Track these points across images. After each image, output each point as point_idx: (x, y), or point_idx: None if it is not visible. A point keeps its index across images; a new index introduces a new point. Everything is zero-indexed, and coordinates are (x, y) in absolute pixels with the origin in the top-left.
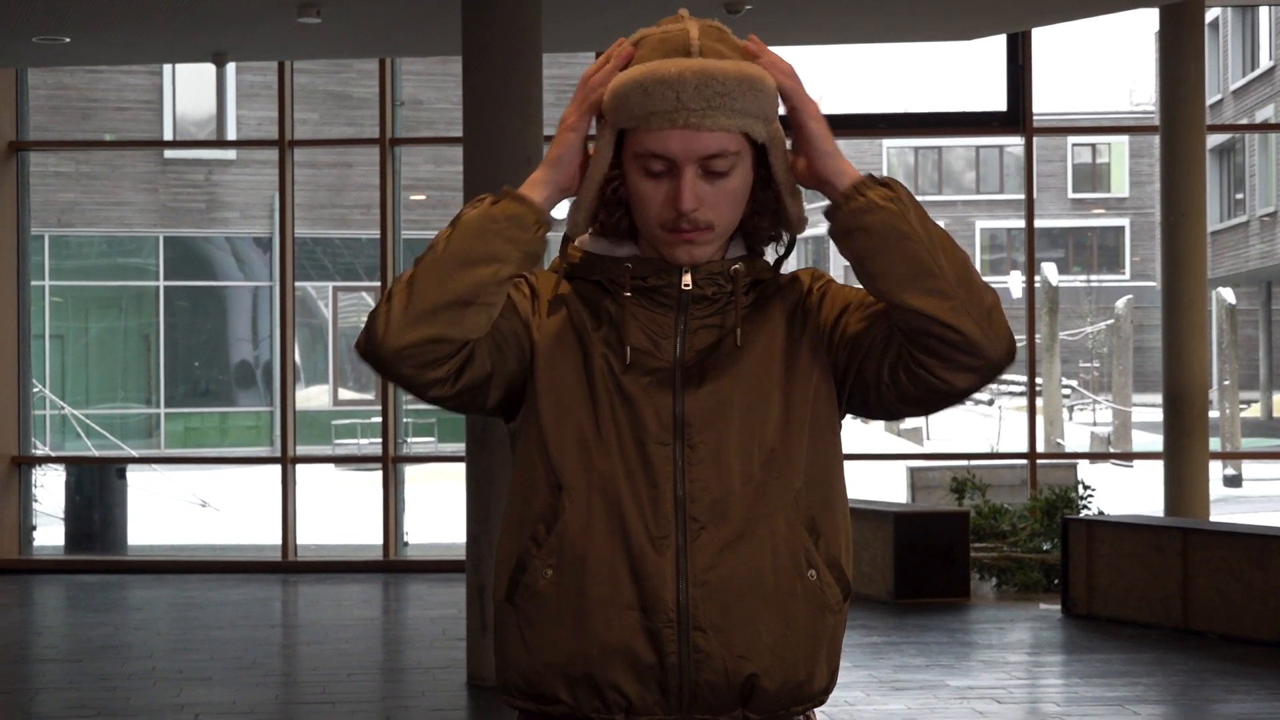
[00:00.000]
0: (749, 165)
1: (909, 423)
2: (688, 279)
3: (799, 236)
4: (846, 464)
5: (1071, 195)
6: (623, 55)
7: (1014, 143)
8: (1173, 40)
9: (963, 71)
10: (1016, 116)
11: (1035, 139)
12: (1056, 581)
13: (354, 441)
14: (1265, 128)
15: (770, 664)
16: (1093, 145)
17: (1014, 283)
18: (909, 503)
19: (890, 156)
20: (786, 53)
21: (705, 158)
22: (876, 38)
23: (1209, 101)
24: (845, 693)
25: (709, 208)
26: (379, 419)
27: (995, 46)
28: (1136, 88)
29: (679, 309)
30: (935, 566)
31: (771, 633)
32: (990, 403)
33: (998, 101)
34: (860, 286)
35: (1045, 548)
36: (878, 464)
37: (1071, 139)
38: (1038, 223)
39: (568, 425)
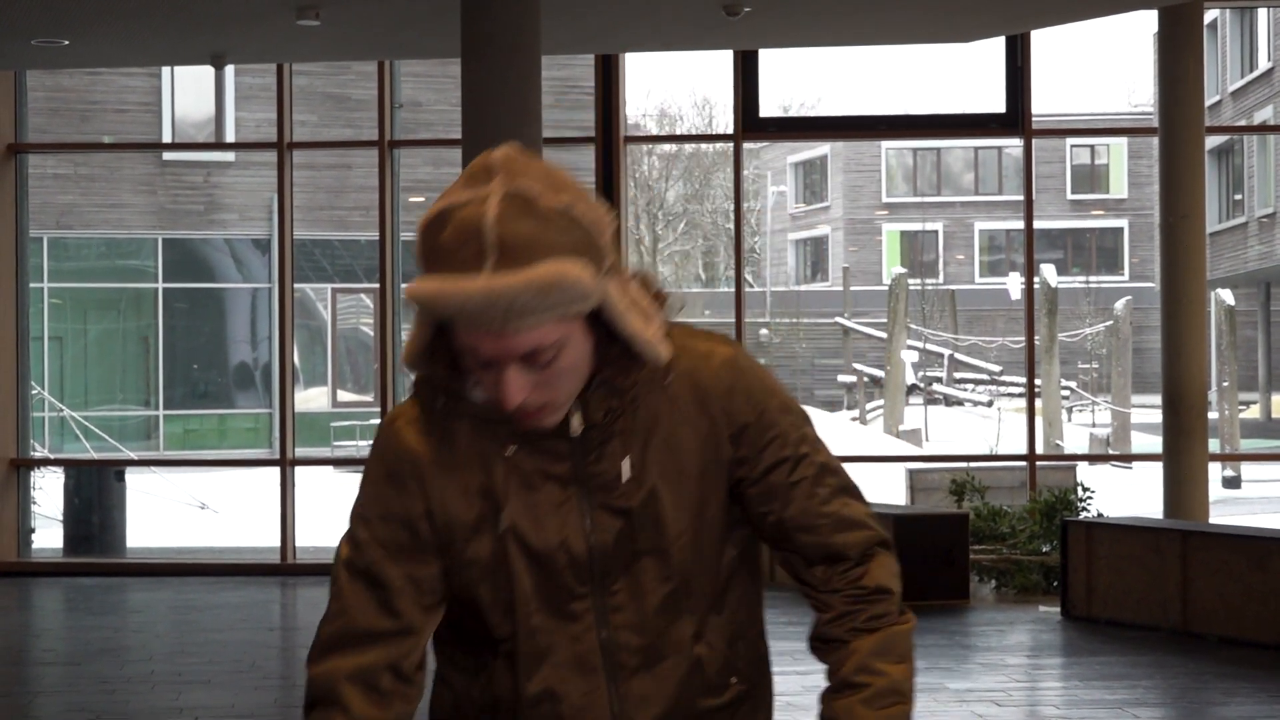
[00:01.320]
0: (581, 335)
1: (908, 423)
2: (575, 423)
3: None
4: (849, 465)
5: (1070, 196)
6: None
7: (1013, 144)
8: (1172, 41)
9: (962, 73)
10: (1016, 118)
11: (1034, 140)
12: (1056, 584)
13: (353, 443)
14: (1265, 129)
15: None
16: (1091, 147)
17: (1013, 284)
18: (908, 505)
19: (889, 158)
20: (786, 55)
21: (523, 355)
22: (876, 40)
23: (1208, 102)
24: None
25: (541, 390)
26: (378, 420)
27: (994, 48)
28: (1135, 89)
29: (569, 441)
30: (935, 568)
31: None
32: (989, 404)
33: (997, 103)
34: (783, 458)
35: (1044, 550)
36: (876, 466)
37: (1070, 140)
38: (1036, 224)
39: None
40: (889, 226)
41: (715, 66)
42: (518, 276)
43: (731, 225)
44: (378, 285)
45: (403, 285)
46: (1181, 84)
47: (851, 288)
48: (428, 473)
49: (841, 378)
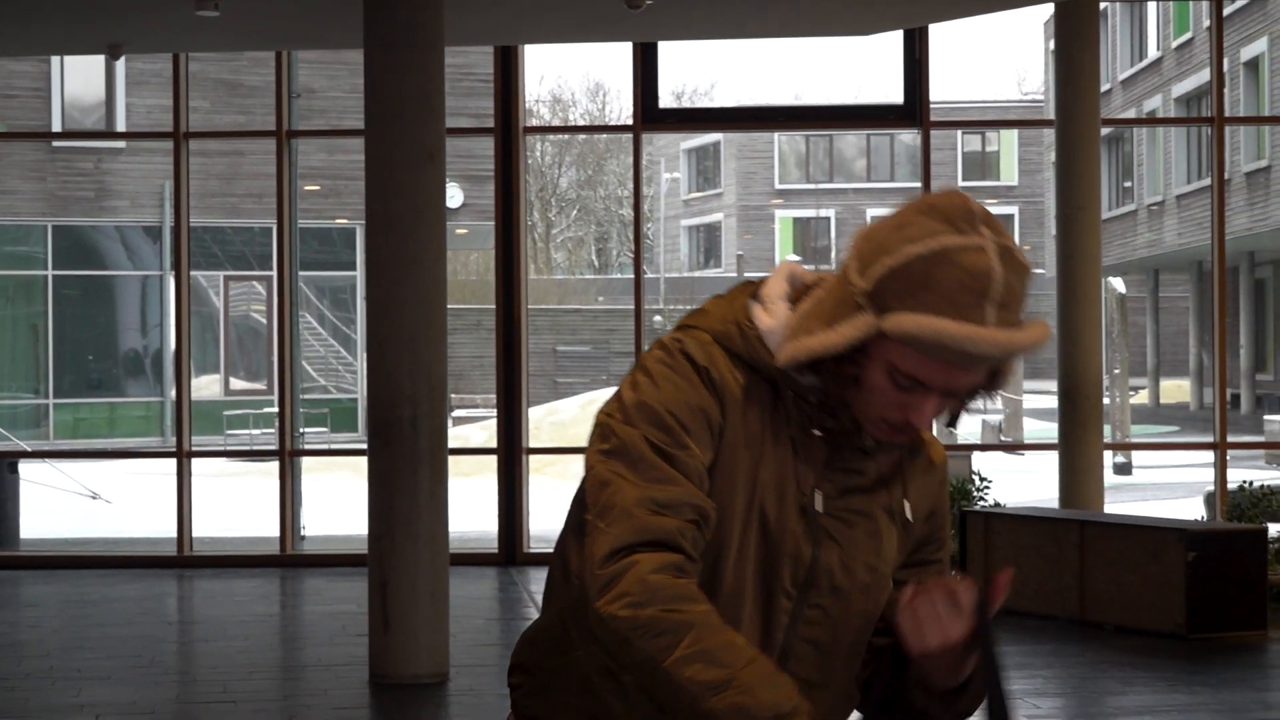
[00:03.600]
0: None
1: None
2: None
3: None
4: None
5: (961, 183)
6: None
7: (908, 133)
8: (1068, 34)
9: (858, 63)
10: (914, 110)
11: (929, 130)
12: (953, 573)
13: (246, 432)
14: (1158, 121)
15: None
16: (983, 134)
17: None
18: None
19: (781, 144)
20: (686, 46)
21: (959, 389)
22: (777, 33)
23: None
24: None
25: (936, 416)
26: (272, 409)
27: (893, 39)
28: (1026, 76)
29: (830, 447)
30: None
31: None
32: None
33: (895, 94)
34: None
35: None
36: None
37: (962, 129)
38: None
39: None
40: (781, 213)
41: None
42: (1028, 335)
43: (626, 211)
44: (271, 273)
45: (300, 272)
46: (1077, 77)
47: (744, 274)
48: (729, 399)
49: None
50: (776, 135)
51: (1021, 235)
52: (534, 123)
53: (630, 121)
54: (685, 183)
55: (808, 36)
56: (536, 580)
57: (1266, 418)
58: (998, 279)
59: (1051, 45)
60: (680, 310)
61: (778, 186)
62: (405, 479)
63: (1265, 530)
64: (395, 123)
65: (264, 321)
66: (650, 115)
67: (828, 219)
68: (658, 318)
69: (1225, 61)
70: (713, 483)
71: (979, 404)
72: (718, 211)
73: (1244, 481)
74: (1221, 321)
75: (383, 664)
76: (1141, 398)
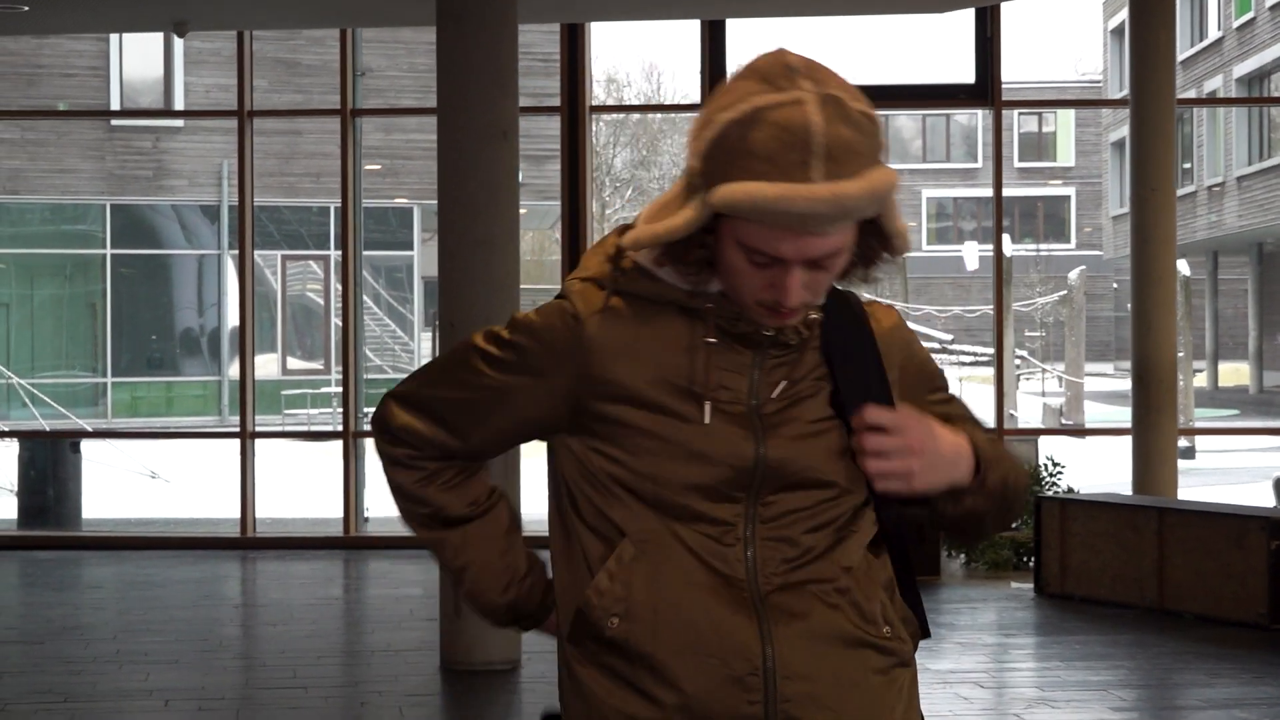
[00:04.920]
0: (853, 232)
1: None
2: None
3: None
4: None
5: (1018, 164)
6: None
7: (961, 112)
8: (1143, 10)
9: (926, 43)
10: (985, 89)
11: (1001, 110)
12: (1026, 559)
13: (304, 411)
14: (1230, 102)
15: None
16: (1039, 115)
17: (969, 254)
18: None
19: None
20: (750, 25)
21: (818, 257)
22: (848, 10)
23: None
24: None
25: (810, 292)
26: (330, 389)
27: (963, 20)
28: (1083, 58)
29: (754, 347)
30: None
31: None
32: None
33: (965, 74)
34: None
35: (1014, 525)
36: None
37: (1019, 109)
38: (983, 193)
39: (639, 454)
40: None
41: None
42: (861, 184)
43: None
44: (331, 252)
45: (363, 252)
46: (1152, 56)
47: None
48: (606, 340)
49: None
50: None
51: (1079, 217)
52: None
53: (696, 100)
54: None
55: (882, 13)
56: None
57: None
58: (818, 131)
59: (1110, 25)
60: None
61: None
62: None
63: None
64: (467, 101)
65: (320, 301)
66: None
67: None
68: None
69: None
70: (589, 416)
71: (881, 267)
72: None
73: None
74: (1256, 307)
75: (454, 650)
76: (1199, 381)
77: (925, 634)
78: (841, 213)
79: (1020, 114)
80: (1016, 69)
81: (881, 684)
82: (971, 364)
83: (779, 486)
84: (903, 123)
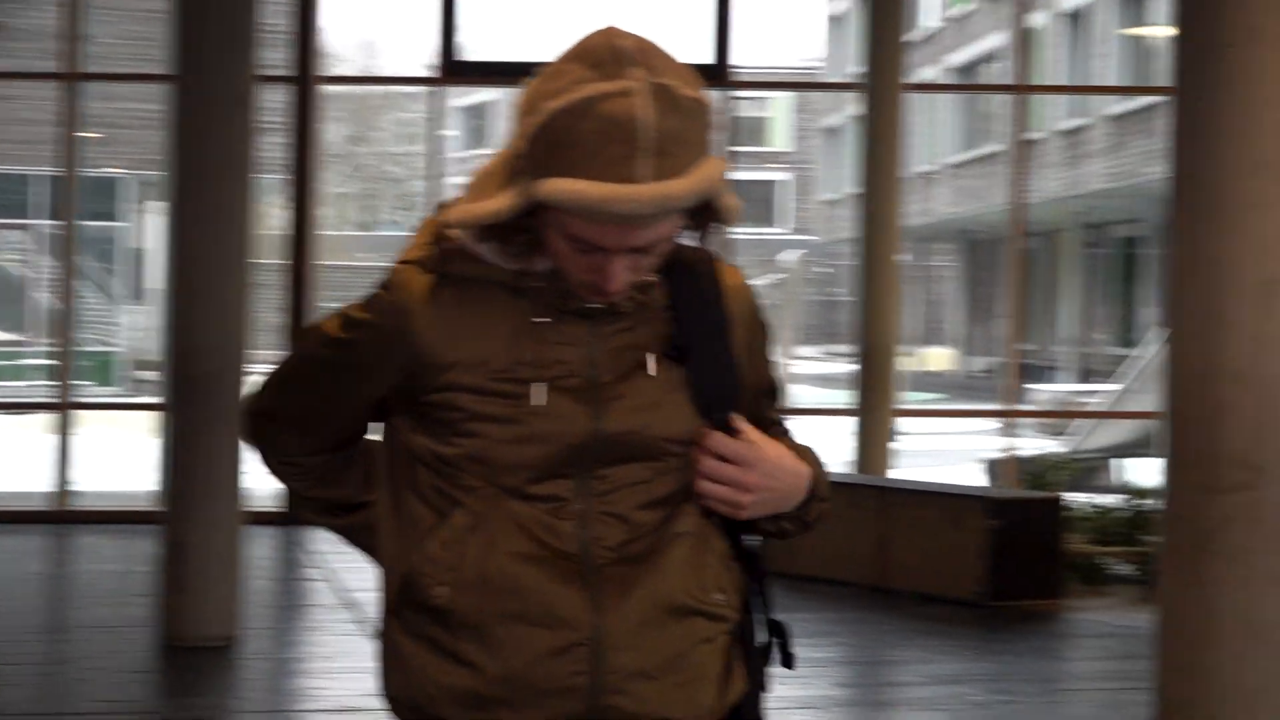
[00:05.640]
0: (681, 216)
1: None
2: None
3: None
4: None
5: (731, 148)
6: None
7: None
8: (879, 1)
9: (662, 21)
10: (721, 70)
11: (732, 91)
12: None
13: (9, 384)
14: (958, 88)
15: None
16: (755, 100)
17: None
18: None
19: None
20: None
21: (641, 246)
22: None
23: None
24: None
25: (634, 273)
26: (38, 360)
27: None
28: (805, 43)
29: (587, 319)
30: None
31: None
32: None
33: (701, 54)
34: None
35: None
36: None
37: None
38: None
39: (470, 436)
40: None
41: (377, 6)
42: (686, 182)
43: (393, 168)
44: (33, 220)
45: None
46: (885, 42)
47: None
48: (420, 327)
49: None
50: None
51: (798, 200)
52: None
53: (429, 74)
54: (458, 141)
55: None
56: (315, 541)
57: (1033, 386)
58: (646, 125)
59: (831, 11)
60: None
61: None
62: (205, 437)
63: (1059, 499)
64: (201, 63)
65: (21, 271)
66: (453, 67)
67: None
68: None
69: (1005, 34)
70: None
71: (710, 237)
72: None
73: (1043, 449)
74: (1015, 294)
75: (173, 626)
76: (909, 364)
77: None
78: (666, 211)
79: (738, 99)
80: (737, 53)
81: (708, 651)
82: None
83: (614, 459)
84: None
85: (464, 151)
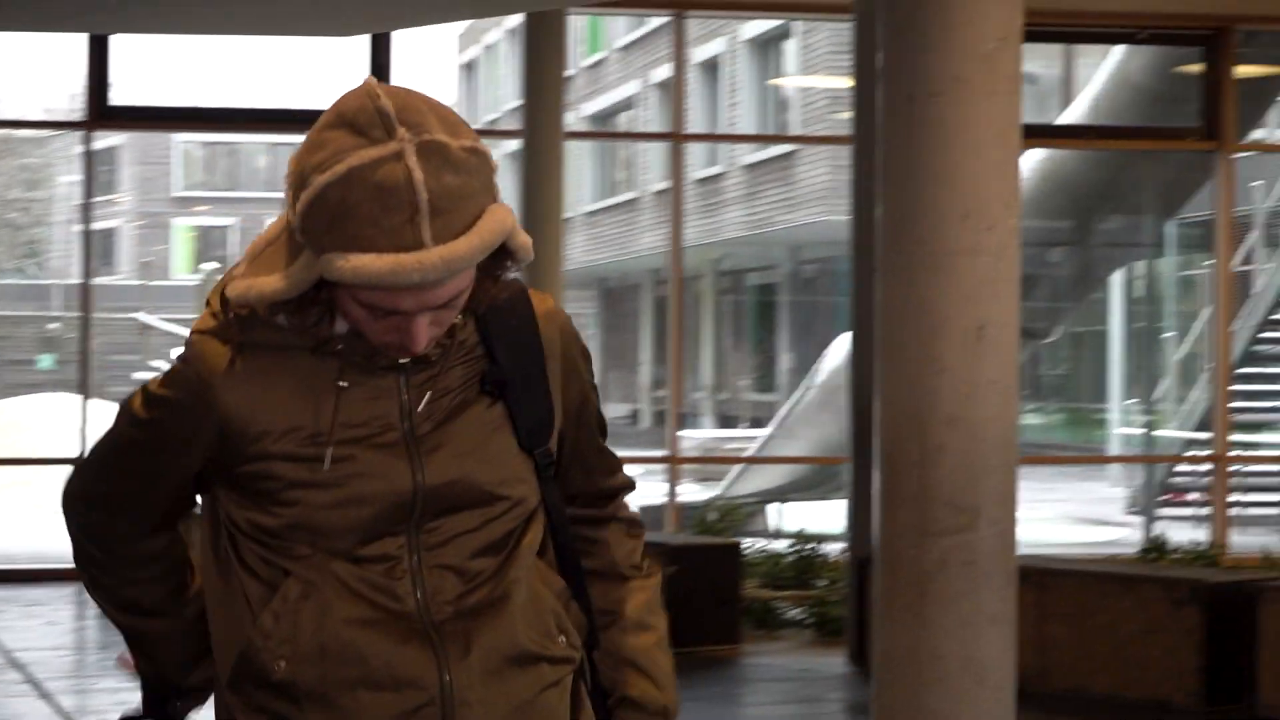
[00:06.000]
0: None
1: None
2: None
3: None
4: None
5: None
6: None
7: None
8: (537, 44)
9: (318, 68)
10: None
11: None
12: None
13: None
14: (633, 136)
15: None
16: None
17: None
18: None
19: (183, 150)
20: (144, 41)
21: (439, 305)
22: (248, 29)
23: (509, 107)
24: None
25: (438, 328)
26: None
27: (357, 45)
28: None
29: (397, 371)
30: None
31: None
32: None
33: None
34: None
35: None
36: None
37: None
38: None
39: (291, 505)
40: (181, 221)
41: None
42: (471, 239)
43: (14, 215)
44: None
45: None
46: (544, 90)
47: (147, 282)
48: (223, 399)
49: (137, 375)
50: (175, 141)
51: None
52: None
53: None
54: (81, 186)
55: (284, 34)
56: None
57: (681, 433)
58: (419, 187)
59: (462, 59)
60: (75, 318)
61: (177, 193)
62: None
63: (739, 544)
64: None
65: None
66: (103, 111)
67: (227, 228)
68: (53, 325)
69: (639, 82)
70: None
71: (508, 276)
72: (116, 217)
73: (714, 496)
74: (677, 337)
75: None
76: None
77: (596, 641)
78: (455, 272)
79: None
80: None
81: (554, 695)
82: None
83: (441, 510)
84: (251, 149)
85: (88, 198)
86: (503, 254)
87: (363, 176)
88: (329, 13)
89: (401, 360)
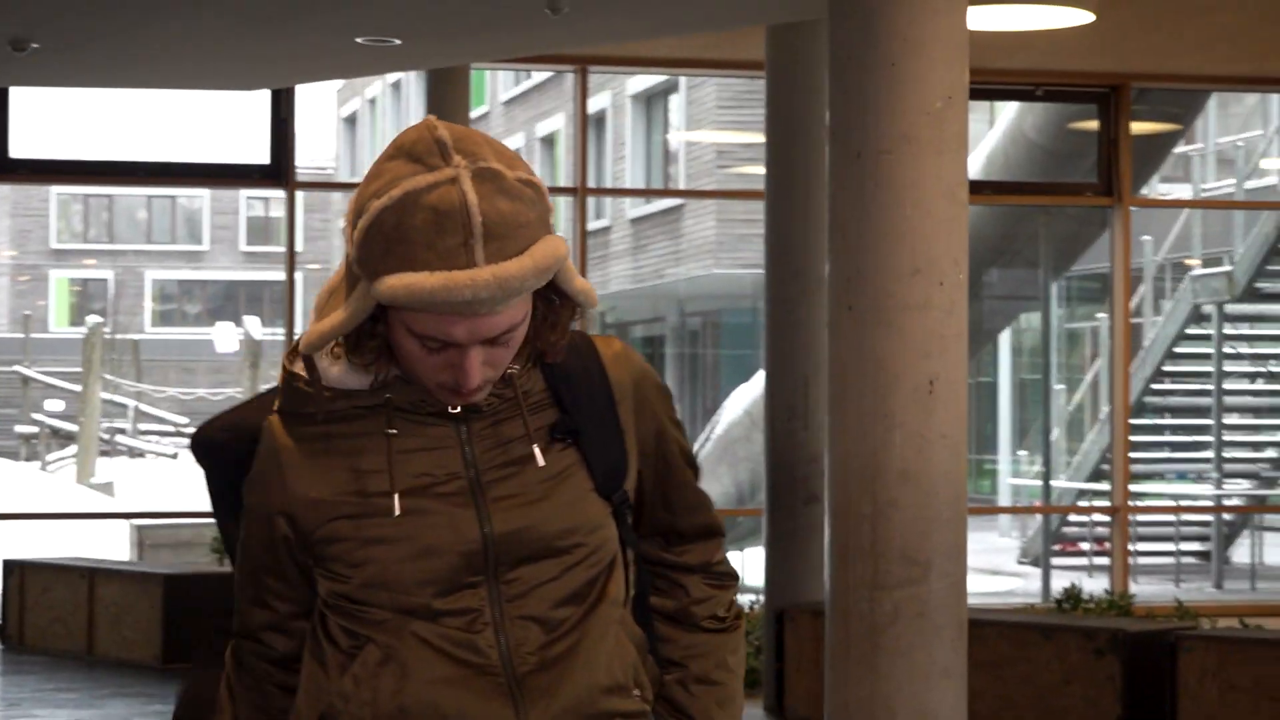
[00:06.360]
0: (530, 302)
1: (100, 478)
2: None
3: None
4: (58, 523)
5: (245, 248)
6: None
7: (186, 194)
8: (441, 98)
9: (217, 122)
10: (280, 170)
11: (295, 191)
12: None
13: None
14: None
15: None
16: (266, 199)
17: (221, 336)
18: (176, 563)
19: (60, 203)
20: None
21: (494, 336)
22: (155, 84)
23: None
24: None
25: (491, 368)
26: None
27: (257, 99)
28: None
29: (454, 421)
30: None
31: None
32: (174, 456)
33: (259, 154)
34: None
35: None
36: (90, 522)
37: (244, 191)
38: (212, 275)
39: (363, 565)
40: (58, 273)
41: None
42: (525, 261)
43: None
44: None
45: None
46: None
47: (29, 335)
48: (297, 485)
49: (19, 428)
50: (53, 194)
51: (306, 299)
52: None
53: None
54: None
55: (189, 88)
56: None
57: None
58: (473, 210)
59: (342, 113)
60: None
61: (54, 245)
62: None
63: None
64: None
65: None
66: (2, 165)
67: (105, 280)
68: None
69: (523, 135)
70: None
71: (567, 327)
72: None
73: None
74: None
75: None
76: None
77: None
78: (507, 293)
79: (247, 197)
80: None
81: None
82: None
83: (518, 560)
84: (129, 203)
85: None
86: (562, 299)
87: (418, 200)
88: (230, 68)
89: (453, 410)
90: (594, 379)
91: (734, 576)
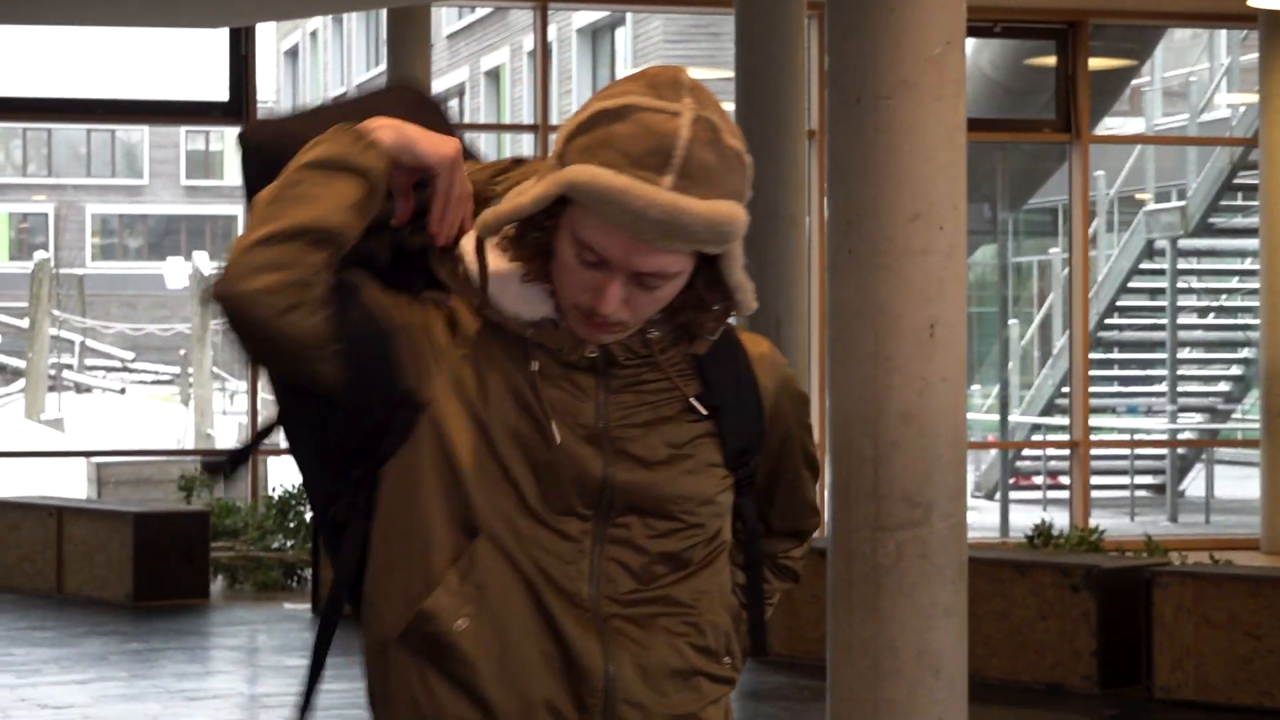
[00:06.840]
0: (688, 271)
1: (50, 413)
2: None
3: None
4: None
5: (185, 182)
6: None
7: (125, 129)
8: (401, 39)
9: (176, 58)
10: (240, 106)
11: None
12: (295, 581)
13: None
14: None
15: None
16: (206, 133)
17: (171, 271)
18: (142, 501)
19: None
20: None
21: (644, 273)
22: (104, 20)
23: (334, 94)
24: (132, 705)
25: (629, 309)
26: None
27: (216, 37)
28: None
29: (595, 372)
30: (174, 567)
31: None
32: (122, 391)
33: (218, 92)
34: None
35: (275, 546)
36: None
37: (185, 127)
38: (153, 209)
39: (488, 470)
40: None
41: None
42: (704, 205)
43: None
44: None
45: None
46: (417, 84)
47: None
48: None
49: None
50: None
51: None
52: None
53: None
54: None
55: (141, 26)
56: None
57: None
58: (681, 144)
59: (283, 47)
60: None
61: None
62: None
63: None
64: None
65: None
66: None
67: (45, 215)
68: None
69: (467, 69)
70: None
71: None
72: None
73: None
74: None
75: None
76: None
77: (763, 651)
78: (676, 226)
79: (187, 131)
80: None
81: (714, 713)
82: (153, 383)
83: (629, 509)
84: (67, 135)
85: None
86: (720, 288)
87: (637, 114)
88: (193, 6)
89: (589, 354)
90: (739, 367)
91: (796, 576)
